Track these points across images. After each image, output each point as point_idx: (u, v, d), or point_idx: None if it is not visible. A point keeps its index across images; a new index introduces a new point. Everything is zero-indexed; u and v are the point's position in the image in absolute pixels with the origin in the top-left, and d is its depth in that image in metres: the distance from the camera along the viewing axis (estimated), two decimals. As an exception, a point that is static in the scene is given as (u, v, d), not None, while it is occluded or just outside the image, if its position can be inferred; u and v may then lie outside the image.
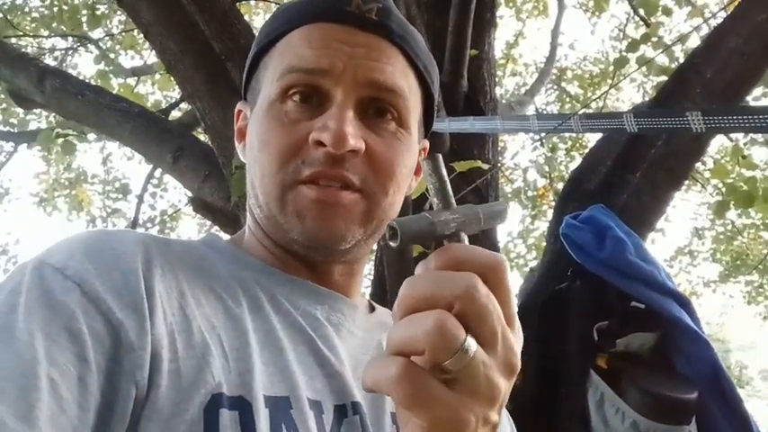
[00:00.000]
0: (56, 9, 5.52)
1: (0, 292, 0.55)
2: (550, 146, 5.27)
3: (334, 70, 0.66)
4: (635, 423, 1.79)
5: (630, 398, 1.82)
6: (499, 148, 6.99)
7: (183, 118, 3.07)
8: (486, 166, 1.81)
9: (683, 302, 1.90)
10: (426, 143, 0.80)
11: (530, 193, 6.10)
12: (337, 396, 0.63)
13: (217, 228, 2.22)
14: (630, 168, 2.29)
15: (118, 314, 0.53)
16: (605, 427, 1.85)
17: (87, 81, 3.23)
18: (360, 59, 0.67)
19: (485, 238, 2.25)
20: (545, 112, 6.53)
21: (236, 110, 0.78)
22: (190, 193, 2.53)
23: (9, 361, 0.49)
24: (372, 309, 0.78)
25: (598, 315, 1.99)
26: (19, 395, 0.47)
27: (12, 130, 5.81)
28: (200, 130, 3.33)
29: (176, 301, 0.59)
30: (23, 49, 5.60)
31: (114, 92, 4.31)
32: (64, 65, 6.13)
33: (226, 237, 0.78)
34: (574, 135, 5.65)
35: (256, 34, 0.76)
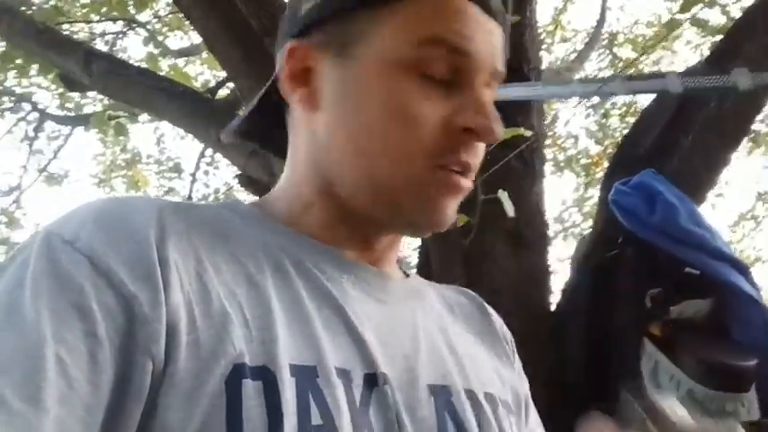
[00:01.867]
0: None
1: (8, 266, 0.54)
2: (603, 112, 5.14)
3: (476, 54, 0.63)
4: (691, 391, 1.75)
5: (686, 366, 1.78)
6: (550, 116, 6.87)
7: (229, 96, 3.09)
8: (528, 134, 1.77)
9: (741, 268, 1.84)
10: None
11: (583, 161, 5.98)
12: (367, 365, 0.60)
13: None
14: (682, 131, 2.21)
15: (130, 287, 0.52)
16: (660, 395, 1.82)
17: (132, 63, 3.28)
18: (494, 47, 0.65)
19: (530, 210, 2.21)
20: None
21: (287, 46, 0.66)
22: (237, 171, 2.56)
23: (15, 340, 0.48)
24: (406, 276, 0.75)
25: (650, 282, 1.94)
26: (25, 376, 0.46)
27: (69, 114, 5.96)
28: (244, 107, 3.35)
29: (193, 269, 0.56)
30: (75, 35, 5.75)
31: (163, 73, 4.37)
32: (114, 49, 6.24)
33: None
34: (627, 100, 5.51)
35: None
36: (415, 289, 0.73)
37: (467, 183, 0.65)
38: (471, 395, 0.66)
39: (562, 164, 5.72)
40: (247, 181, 2.17)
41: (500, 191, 1.82)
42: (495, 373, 0.74)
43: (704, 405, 1.68)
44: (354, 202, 0.65)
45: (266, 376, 0.53)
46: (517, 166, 2.22)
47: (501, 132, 0.63)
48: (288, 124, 0.71)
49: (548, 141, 7.11)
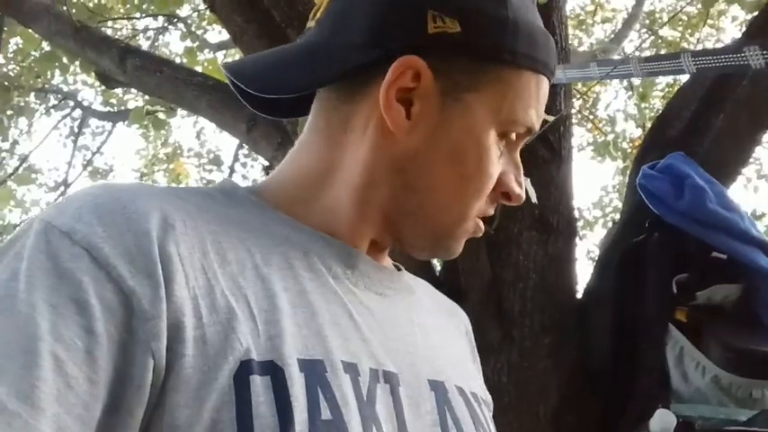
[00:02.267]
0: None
1: (3, 257, 0.53)
2: (640, 94, 5.04)
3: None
4: (716, 378, 1.73)
5: (711, 352, 1.76)
6: (591, 99, 6.75)
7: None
8: (550, 118, 1.75)
9: (770, 251, 1.80)
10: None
11: (624, 145, 5.88)
12: (373, 359, 0.60)
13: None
14: (714, 112, 2.17)
15: (129, 281, 0.50)
16: (685, 382, 1.80)
17: (165, 58, 3.34)
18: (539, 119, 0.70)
19: (556, 196, 2.20)
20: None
21: (403, 61, 0.62)
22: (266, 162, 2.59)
23: (9, 336, 0.47)
24: (398, 269, 0.76)
25: (677, 267, 1.92)
26: (20, 374, 0.45)
27: (111, 110, 6.10)
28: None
29: (198, 262, 0.55)
30: (118, 32, 5.88)
31: (200, 68, 4.43)
32: (156, 44, 6.35)
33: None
34: (671, 81, 5.39)
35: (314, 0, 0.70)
36: (407, 284, 0.74)
37: (482, 227, 0.70)
38: (462, 392, 0.68)
39: (599, 148, 5.63)
40: (274, 172, 2.20)
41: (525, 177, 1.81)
42: (475, 371, 0.78)
43: (730, 392, 1.66)
44: (398, 225, 0.68)
45: (274, 371, 0.53)
46: (543, 151, 2.21)
47: (523, 199, 0.70)
48: (337, 116, 0.67)
49: (588, 125, 7.02)
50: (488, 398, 0.77)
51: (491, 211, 0.70)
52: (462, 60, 0.64)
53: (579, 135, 7.13)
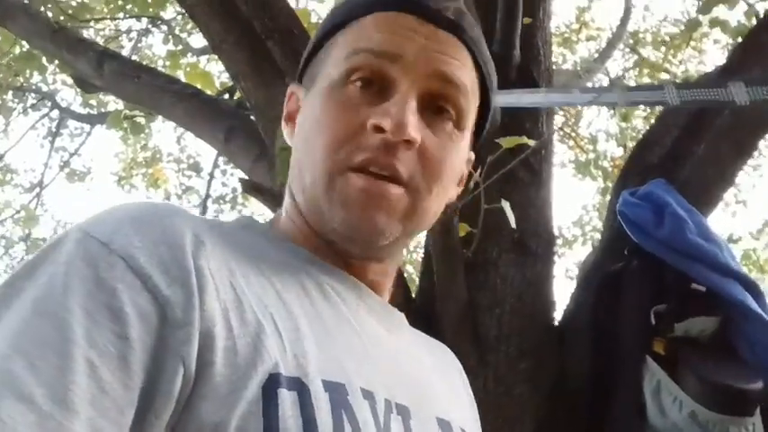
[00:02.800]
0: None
1: (40, 263, 0.53)
2: (622, 114, 5.06)
3: (404, 57, 0.65)
4: (693, 413, 1.69)
5: (689, 386, 1.72)
6: (573, 116, 6.76)
7: (241, 98, 3.09)
8: (531, 143, 1.73)
9: (748, 285, 1.78)
10: (473, 156, 0.78)
11: (605, 164, 5.89)
12: (386, 391, 0.61)
13: (266, 209, 2.21)
14: (696, 139, 2.15)
15: (164, 290, 0.52)
16: (662, 416, 1.76)
17: (143, 64, 3.28)
18: (431, 51, 0.66)
19: (535, 218, 2.17)
20: (621, 78, 6.26)
21: (288, 91, 0.76)
22: (243, 174, 2.54)
23: (46, 339, 0.47)
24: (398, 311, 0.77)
25: (656, 297, 1.89)
26: (55, 377, 0.46)
27: (91, 112, 6.02)
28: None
29: (227, 279, 0.57)
30: (101, 32, 5.80)
31: (181, 72, 4.37)
32: (139, 45, 6.28)
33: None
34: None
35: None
36: (407, 325, 0.75)
37: (392, 189, 0.64)
38: None
39: (579, 166, 5.63)
40: (251, 186, 2.15)
41: (503, 200, 1.78)
42: (474, 421, 0.78)
43: (707, 428, 1.62)
44: (309, 223, 0.69)
45: (301, 389, 0.53)
46: (523, 173, 2.18)
47: (410, 132, 0.63)
48: None
49: (570, 143, 7.04)
50: None
51: (386, 159, 0.63)
52: (311, 64, 0.73)
53: (561, 152, 7.16)
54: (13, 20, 2.95)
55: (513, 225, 1.78)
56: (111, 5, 6.23)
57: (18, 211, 6.04)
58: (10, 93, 5.67)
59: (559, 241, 6.66)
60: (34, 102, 5.89)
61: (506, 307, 2.00)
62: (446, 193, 0.69)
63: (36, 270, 0.53)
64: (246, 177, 2.34)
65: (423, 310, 2.05)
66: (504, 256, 2.07)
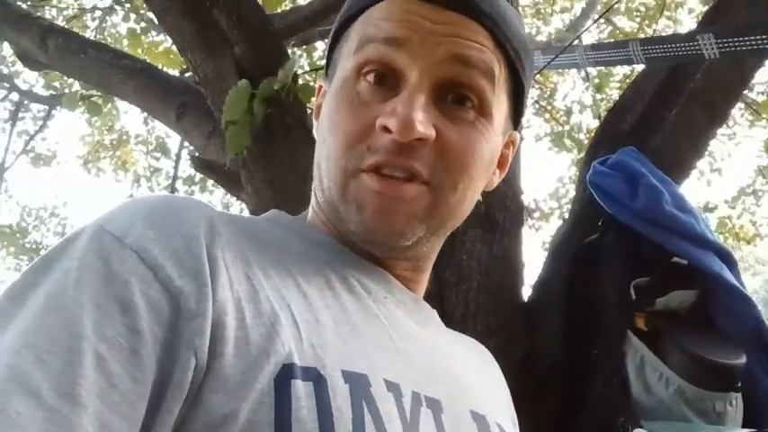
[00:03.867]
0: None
1: (55, 258, 0.53)
2: (596, 85, 4.96)
3: (411, 43, 0.63)
4: (680, 389, 1.62)
5: (674, 362, 1.66)
6: (549, 90, 6.66)
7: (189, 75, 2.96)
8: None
9: (724, 255, 1.71)
10: (517, 136, 0.77)
11: (581, 136, 5.81)
12: (415, 383, 0.59)
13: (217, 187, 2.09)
14: (668, 105, 2.05)
15: (177, 281, 0.51)
16: (647, 393, 1.69)
17: (89, 39, 3.13)
18: (441, 35, 0.63)
19: (502, 191, 2.07)
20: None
21: (317, 86, 0.76)
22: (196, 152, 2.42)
23: (54, 334, 0.47)
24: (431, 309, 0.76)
25: (635, 271, 1.80)
26: (62, 371, 0.45)
27: (54, 93, 5.82)
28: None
29: (242, 270, 0.56)
30: (64, 12, 5.60)
31: (141, 50, 4.21)
32: (104, 25, 6.08)
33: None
34: (628, 71, 5.32)
35: None
36: (439, 321, 0.74)
37: (409, 190, 0.62)
38: (501, 429, 0.67)
39: (552, 137, 5.55)
40: (202, 164, 2.03)
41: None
42: (508, 418, 0.76)
43: (693, 404, 1.55)
44: (329, 222, 0.68)
45: (317, 379, 0.52)
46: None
47: (419, 130, 0.60)
48: None
49: (546, 116, 6.95)
50: None
51: (399, 160, 0.61)
52: (333, 54, 0.72)
53: (537, 126, 7.09)
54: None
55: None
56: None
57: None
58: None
59: (536, 214, 6.62)
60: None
61: (473, 284, 1.91)
62: (476, 183, 0.67)
63: (52, 265, 0.53)
64: (197, 155, 2.21)
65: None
66: (471, 232, 1.97)
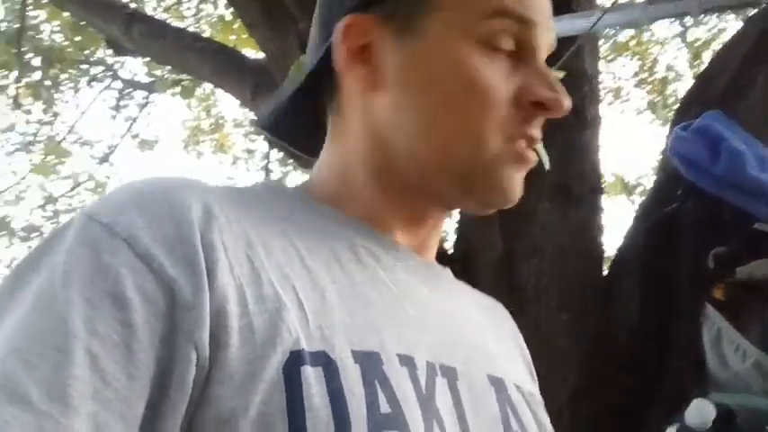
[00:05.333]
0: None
1: (43, 252, 0.51)
2: (693, 52, 4.71)
3: (544, 30, 0.64)
4: (757, 362, 1.53)
5: (752, 334, 1.57)
6: (650, 60, 6.38)
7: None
8: (560, 74, 1.56)
9: (816, 221, 1.59)
10: None
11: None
12: (429, 353, 0.58)
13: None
14: (758, 67, 1.93)
15: (170, 270, 0.48)
16: (723, 366, 1.61)
17: (169, 23, 3.24)
18: (552, 25, 0.65)
19: (580, 162, 2.00)
20: None
21: (344, 23, 0.63)
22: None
23: (43, 333, 0.45)
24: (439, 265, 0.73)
25: (714, 239, 1.71)
26: (52, 372, 0.43)
27: (153, 80, 6.08)
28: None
29: (243, 251, 0.53)
30: (161, 2, 5.82)
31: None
32: (200, 13, 6.28)
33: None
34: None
35: None
36: (452, 281, 0.72)
37: (534, 156, 0.64)
38: (520, 390, 0.66)
39: (643, 109, 5.32)
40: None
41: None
42: (528, 373, 0.74)
43: (773, 379, 1.46)
44: (422, 180, 0.64)
45: (327, 363, 0.50)
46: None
47: (569, 105, 0.62)
48: (333, 106, 0.68)
49: (648, 88, 6.68)
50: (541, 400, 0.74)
51: (534, 132, 0.63)
52: None
53: (639, 97, 6.86)
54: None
55: (547, 166, 1.63)
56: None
57: (86, 181, 6.21)
58: (76, 67, 5.78)
59: (639, 189, 6.38)
60: (97, 75, 5.98)
61: (546, 256, 1.86)
62: None
63: (40, 260, 0.50)
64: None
65: (460, 262, 1.93)
66: (544, 204, 1.93)
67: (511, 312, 1.91)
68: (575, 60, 2.04)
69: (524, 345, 0.78)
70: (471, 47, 0.61)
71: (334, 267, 0.58)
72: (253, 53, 3.75)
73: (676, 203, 1.82)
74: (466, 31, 0.62)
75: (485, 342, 0.67)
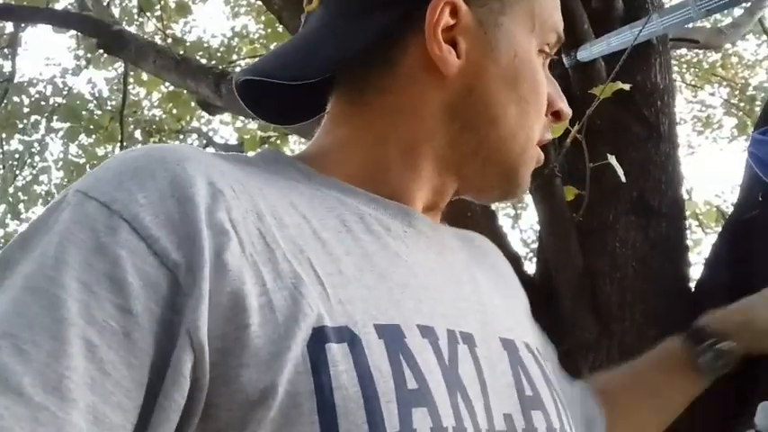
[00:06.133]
0: None
1: (36, 231, 0.48)
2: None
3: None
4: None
5: None
6: (738, 87, 6.18)
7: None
8: (626, 87, 1.58)
9: None
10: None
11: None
12: (448, 321, 0.57)
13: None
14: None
15: (173, 254, 0.46)
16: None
17: None
18: None
19: (657, 175, 1.98)
20: None
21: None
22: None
23: (37, 320, 0.43)
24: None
25: (799, 242, 1.66)
26: (47, 363, 0.41)
27: (241, 142, 6.39)
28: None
29: (254, 226, 0.51)
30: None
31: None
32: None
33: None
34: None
35: None
36: (459, 239, 0.72)
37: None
38: (529, 348, 0.66)
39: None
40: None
41: (610, 156, 1.64)
42: (527, 321, 0.75)
43: None
44: (465, 168, 0.65)
45: (350, 338, 0.49)
46: (638, 128, 2.01)
47: (570, 113, 0.71)
48: (372, 81, 0.64)
49: (739, 113, 6.48)
50: (547, 349, 0.76)
51: (549, 136, 0.70)
52: None
53: (730, 125, 6.68)
54: (145, 59, 3.18)
55: (623, 179, 1.64)
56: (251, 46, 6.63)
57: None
58: (173, 137, 6.15)
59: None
60: (192, 142, 6.33)
61: (628, 271, 1.84)
62: None
63: (31, 240, 0.47)
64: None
65: (542, 287, 1.93)
66: (623, 218, 1.91)
67: (594, 331, 1.88)
68: (646, 75, 2.05)
69: (510, 269, 0.80)
70: (536, 53, 0.66)
71: (346, 239, 0.56)
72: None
73: (757, 210, 1.78)
74: (534, 37, 0.66)
75: (494, 302, 0.67)
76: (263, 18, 5.80)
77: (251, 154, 0.67)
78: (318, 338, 0.48)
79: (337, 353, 0.48)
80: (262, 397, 0.46)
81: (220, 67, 3.36)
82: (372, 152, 0.63)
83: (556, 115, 0.69)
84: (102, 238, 0.46)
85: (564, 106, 0.69)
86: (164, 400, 0.45)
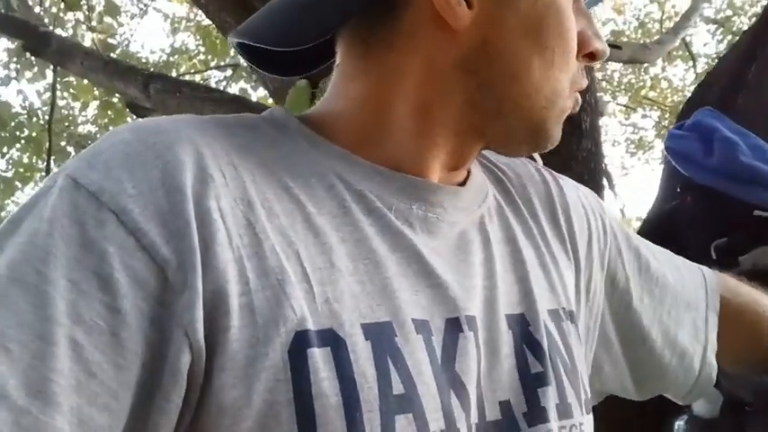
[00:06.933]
0: None
1: (25, 216, 0.46)
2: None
3: None
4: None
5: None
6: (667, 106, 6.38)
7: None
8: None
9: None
10: None
11: None
12: (448, 309, 0.55)
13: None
14: (748, 65, 1.97)
15: (162, 249, 0.44)
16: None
17: (183, 80, 3.39)
18: None
19: (582, 171, 2.02)
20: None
21: None
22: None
23: (22, 317, 0.41)
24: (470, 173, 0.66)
25: (715, 232, 1.71)
26: (32, 364, 0.40)
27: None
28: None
29: (242, 216, 0.49)
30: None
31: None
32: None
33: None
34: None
35: None
36: (482, 190, 0.65)
37: None
38: (553, 313, 0.63)
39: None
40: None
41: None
42: (558, 277, 0.67)
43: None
44: (488, 124, 0.60)
45: (334, 342, 0.47)
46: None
47: (608, 52, 0.64)
48: (377, 38, 0.59)
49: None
50: (583, 281, 0.70)
51: (584, 83, 0.62)
52: None
53: (661, 147, 6.86)
54: (72, 60, 3.14)
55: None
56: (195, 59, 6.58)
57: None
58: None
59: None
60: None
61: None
62: None
63: (20, 225, 0.46)
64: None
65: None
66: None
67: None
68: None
69: (568, 195, 0.73)
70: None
71: (343, 223, 0.53)
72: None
73: (675, 201, 1.83)
74: None
75: (508, 267, 0.62)
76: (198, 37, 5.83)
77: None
78: (300, 343, 0.46)
79: (319, 359, 0.46)
80: (235, 404, 0.44)
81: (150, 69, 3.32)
82: (380, 117, 0.59)
83: (591, 57, 0.62)
84: (91, 232, 0.44)
85: (599, 44, 0.61)
86: (163, 400, 0.44)
